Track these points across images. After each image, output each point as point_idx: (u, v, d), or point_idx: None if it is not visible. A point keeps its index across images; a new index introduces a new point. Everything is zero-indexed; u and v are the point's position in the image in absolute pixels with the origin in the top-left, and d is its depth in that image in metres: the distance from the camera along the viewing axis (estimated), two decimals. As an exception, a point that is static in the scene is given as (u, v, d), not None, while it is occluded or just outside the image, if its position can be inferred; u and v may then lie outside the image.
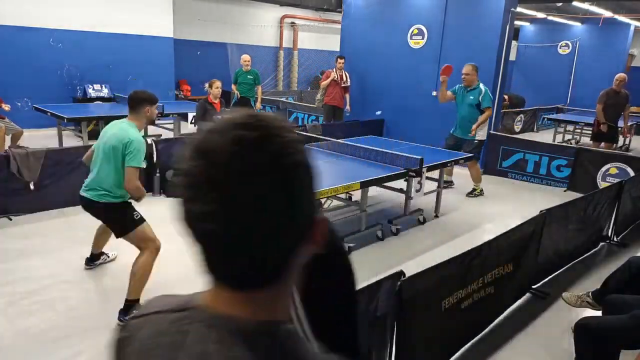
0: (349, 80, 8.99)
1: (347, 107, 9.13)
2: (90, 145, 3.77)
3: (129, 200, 3.49)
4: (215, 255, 0.68)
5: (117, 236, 3.52)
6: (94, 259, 4.08)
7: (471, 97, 6.54)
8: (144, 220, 3.51)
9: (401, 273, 2.45)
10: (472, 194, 6.89)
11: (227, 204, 0.61)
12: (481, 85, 6.51)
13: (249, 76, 9.19)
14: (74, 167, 5.44)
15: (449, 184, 7.16)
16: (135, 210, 3.50)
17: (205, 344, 0.67)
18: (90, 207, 3.46)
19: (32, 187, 5.17)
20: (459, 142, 6.73)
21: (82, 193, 3.47)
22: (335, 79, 8.86)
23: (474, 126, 6.48)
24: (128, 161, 3.25)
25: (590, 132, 11.61)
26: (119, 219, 3.45)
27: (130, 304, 3.30)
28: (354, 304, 1.12)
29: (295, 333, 0.71)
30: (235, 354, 0.64)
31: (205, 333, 0.69)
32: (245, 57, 9.31)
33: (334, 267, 1.09)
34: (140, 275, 3.35)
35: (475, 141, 6.63)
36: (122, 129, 3.33)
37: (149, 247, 3.44)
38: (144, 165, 3.38)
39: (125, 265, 4.16)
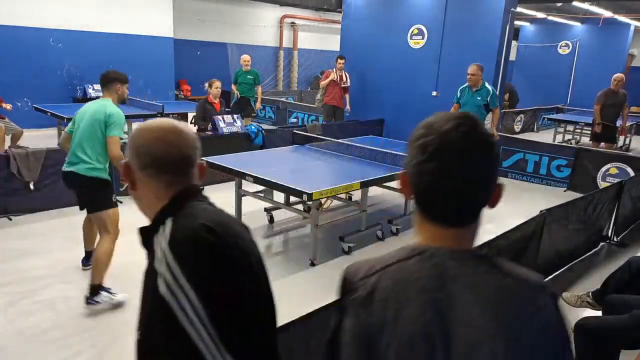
0: (348, 80, 8.96)
1: (347, 107, 9.12)
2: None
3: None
4: (463, 200, 0.94)
5: (89, 211, 3.65)
6: (89, 257, 4.08)
7: (478, 98, 6.53)
8: (117, 205, 3.67)
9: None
10: None
11: (469, 167, 0.93)
12: (487, 85, 6.51)
13: (248, 76, 9.18)
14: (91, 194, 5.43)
15: None
16: (114, 193, 3.69)
17: (479, 276, 0.92)
18: (74, 181, 3.59)
19: (32, 187, 5.17)
20: None
21: (68, 168, 3.59)
22: (335, 79, 8.83)
23: (494, 131, 6.53)
24: (110, 131, 3.51)
25: (589, 132, 11.67)
26: (99, 194, 3.60)
27: (95, 288, 3.45)
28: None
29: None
30: (502, 279, 0.92)
31: (470, 266, 0.93)
32: (245, 57, 9.29)
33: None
34: (103, 261, 3.49)
35: None
36: (101, 105, 3.61)
37: (110, 232, 3.55)
38: (125, 137, 3.54)
39: (125, 265, 4.16)
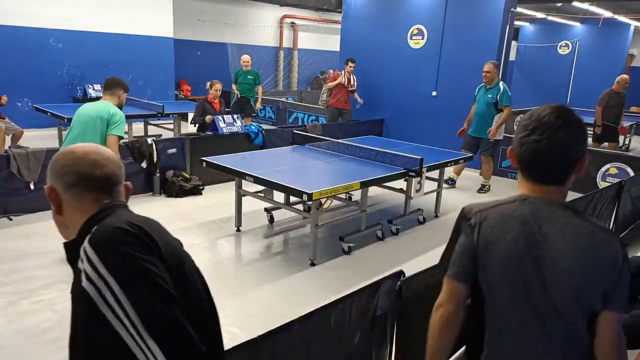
0: (355, 83, 8.93)
1: (359, 100, 9.03)
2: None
3: None
4: (556, 165, 1.34)
5: None
6: None
7: (489, 95, 6.60)
8: None
9: (401, 273, 2.45)
10: (483, 190, 7.03)
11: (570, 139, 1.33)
12: (501, 84, 6.58)
13: (248, 76, 9.23)
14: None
15: (452, 182, 7.18)
16: None
17: (568, 220, 1.34)
18: None
19: (32, 187, 5.17)
20: (475, 141, 6.80)
21: None
22: (343, 82, 8.76)
23: (493, 128, 6.55)
24: (111, 130, 3.70)
25: (591, 132, 11.66)
26: None
27: None
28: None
29: None
30: (585, 225, 1.34)
31: (561, 212, 1.35)
32: (245, 57, 9.33)
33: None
34: None
35: (491, 141, 6.69)
36: (105, 104, 3.83)
37: None
38: (125, 136, 3.76)
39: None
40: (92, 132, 3.71)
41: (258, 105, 9.52)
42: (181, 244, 1.33)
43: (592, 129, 9.37)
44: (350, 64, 8.70)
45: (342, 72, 8.78)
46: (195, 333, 1.10)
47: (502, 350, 1.42)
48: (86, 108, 3.89)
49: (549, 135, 1.32)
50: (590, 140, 10.08)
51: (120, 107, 4.03)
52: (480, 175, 8.13)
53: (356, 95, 8.98)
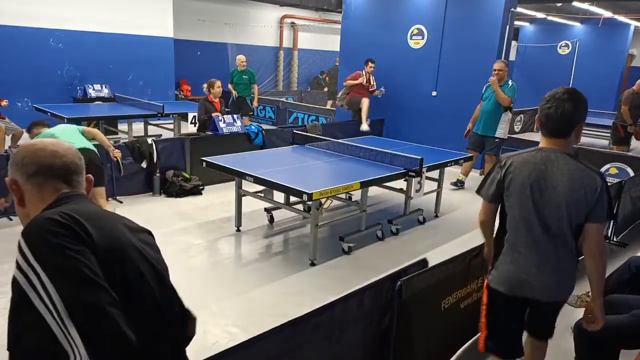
0: (375, 84, 8.78)
1: (381, 91, 8.84)
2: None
3: None
4: (560, 125, 2.07)
5: None
6: None
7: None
8: None
9: (403, 271, 2.45)
10: (457, 185, 7.11)
11: (577, 107, 2.08)
12: (510, 82, 6.62)
13: (244, 76, 9.36)
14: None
15: (460, 184, 7.14)
16: None
17: (566, 162, 2.08)
18: None
19: None
20: (481, 139, 6.79)
21: None
22: (363, 83, 8.59)
23: (500, 130, 6.62)
24: None
25: (590, 132, 11.64)
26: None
27: None
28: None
29: None
30: (577, 165, 2.07)
31: (562, 157, 2.08)
32: (240, 57, 9.47)
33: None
34: None
35: (497, 140, 6.68)
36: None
37: None
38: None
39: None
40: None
41: (255, 104, 9.57)
42: (142, 235, 1.41)
43: (609, 130, 9.03)
44: (370, 64, 8.55)
45: (362, 72, 8.61)
46: (133, 323, 1.14)
47: (516, 245, 2.23)
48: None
49: (558, 105, 2.07)
50: (608, 142, 9.80)
51: None
52: (482, 175, 8.12)
53: (376, 92, 8.84)
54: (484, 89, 6.85)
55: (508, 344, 2.36)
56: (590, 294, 1.96)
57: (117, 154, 4.79)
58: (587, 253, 2.12)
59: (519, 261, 2.20)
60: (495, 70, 6.58)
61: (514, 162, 2.17)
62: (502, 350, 2.37)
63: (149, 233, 1.49)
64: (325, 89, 16.04)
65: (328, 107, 11.93)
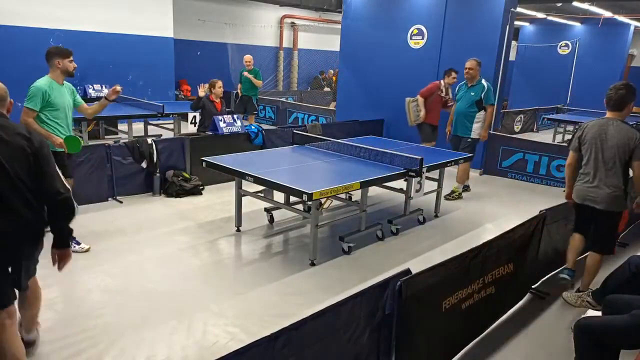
0: (450, 97, 7.49)
1: (482, 133, 6.73)
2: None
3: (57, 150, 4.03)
4: (616, 103, 3.67)
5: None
6: None
7: (472, 94, 6.36)
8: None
9: (407, 271, 2.45)
10: (451, 196, 6.57)
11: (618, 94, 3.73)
12: (483, 81, 6.35)
13: (250, 74, 9.45)
14: (73, 167, 5.44)
15: (467, 187, 6.93)
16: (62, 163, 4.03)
17: (618, 125, 3.67)
18: None
19: None
20: (457, 140, 6.58)
21: None
22: (442, 94, 7.34)
23: (483, 131, 6.41)
24: (25, 102, 4.07)
25: None
26: None
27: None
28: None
29: None
30: (624, 126, 3.67)
31: (616, 122, 3.68)
32: (247, 57, 9.62)
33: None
34: None
35: (469, 139, 6.44)
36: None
37: None
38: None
39: (126, 266, 4.16)
40: None
41: (259, 83, 9.54)
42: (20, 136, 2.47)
43: None
44: (453, 74, 7.30)
45: (441, 83, 7.36)
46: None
47: (586, 174, 3.77)
48: None
49: (615, 91, 3.63)
50: None
51: (68, 74, 4.37)
52: (481, 175, 8.13)
53: (449, 105, 7.40)
54: (456, 89, 6.68)
55: (581, 228, 4.00)
56: (589, 293, 2.01)
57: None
58: (635, 180, 3.60)
59: (587, 183, 3.76)
60: (466, 68, 6.32)
61: (587, 125, 3.79)
62: (578, 231, 4.02)
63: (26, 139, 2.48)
64: (327, 89, 16.04)
65: (331, 107, 11.94)
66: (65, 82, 4.33)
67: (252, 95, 9.56)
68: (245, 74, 9.49)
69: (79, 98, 4.55)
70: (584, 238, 3.98)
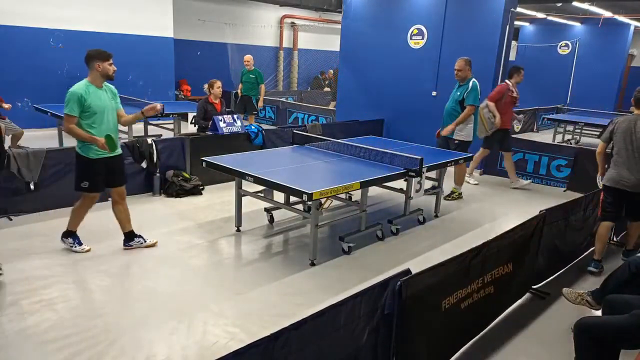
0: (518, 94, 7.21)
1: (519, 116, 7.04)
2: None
3: (93, 159, 4.07)
4: (636, 101, 4.41)
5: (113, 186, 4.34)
6: (131, 238, 4.49)
7: (458, 93, 6.25)
8: (94, 191, 4.22)
9: (407, 271, 2.45)
10: (450, 197, 6.49)
11: None
12: (471, 82, 6.18)
13: (251, 75, 9.52)
14: (74, 167, 5.43)
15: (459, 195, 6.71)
16: (93, 177, 4.11)
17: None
18: None
19: (32, 187, 5.17)
20: (445, 140, 6.40)
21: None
22: (513, 94, 6.92)
23: (449, 126, 6.19)
24: (64, 108, 3.96)
25: (591, 132, 11.64)
26: (76, 169, 4.18)
27: (66, 233, 4.32)
28: None
29: None
30: None
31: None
32: (246, 57, 9.63)
33: None
34: (73, 213, 4.31)
35: (456, 141, 6.25)
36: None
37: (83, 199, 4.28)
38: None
39: (126, 266, 4.16)
40: None
41: (260, 104, 9.63)
42: None
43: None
44: (522, 72, 7.03)
45: (509, 83, 6.95)
46: None
47: (617, 162, 4.38)
48: None
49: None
50: (588, 139, 9.84)
51: (108, 77, 4.19)
52: (481, 175, 8.14)
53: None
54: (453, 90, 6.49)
55: (611, 215, 4.47)
56: (589, 292, 2.07)
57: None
58: None
59: (619, 170, 4.35)
60: (456, 70, 6.20)
61: (618, 121, 4.40)
62: (607, 219, 4.49)
63: None
64: (327, 89, 16.03)
65: (331, 107, 11.95)
66: (106, 84, 4.21)
67: (253, 95, 9.57)
68: (260, 99, 9.53)
69: (119, 102, 4.39)
70: (612, 227, 4.64)
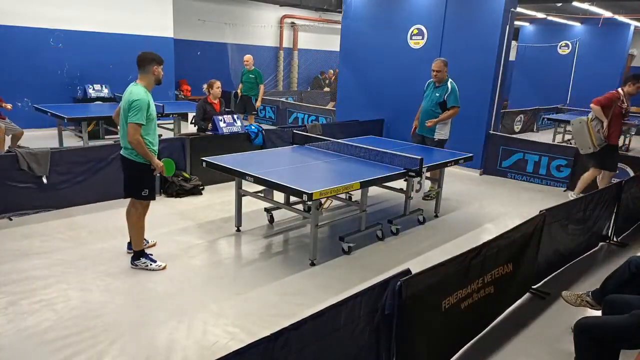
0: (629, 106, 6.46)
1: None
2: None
3: (153, 168, 3.88)
4: None
5: (125, 195, 3.96)
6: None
7: (437, 94, 6.24)
8: (153, 198, 4.00)
9: (407, 271, 2.45)
10: (429, 197, 6.30)
11: None
12: (449, 83, 6.21)
13: (250, 75, 9.54)
14: (75, 167, 5.44)
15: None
16: (153, 184, 3.94)
17: None
18: (123, 164, 3.95)
19: (45, 180, 5.16)
20: (422, 139, 6.43)
21: (120, 152, 3.96)
22: (623, 105, 6.14)
23: (432, 120, 6.18)
24: (129, 118, 3.70)
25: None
26: (135, 178, 3.91)
27: (137, 254, 4.04)
28: None
29: None
30: None
31: None
32: (246, 57, 9.66)
33: None
34: (133, 229, 4.02)
35: (435, 140, 6.29)
36: (130, 91, 3.80)
37: (137, 209, 4.00)
38: (141, 121, 3.70)
39: (126, 265, 4.16)
40: (122, 126, 3.86)
41: (258, 104, 9.65)
42: None
43: None
44: (638, 84, 6.12)
45: (620, 92, 6.18)
46: None
47: None
48: (123, 97, 3.91)
49: None
50: None
51: (158, 82, 4.00)
52: (481, 174, 8.13)
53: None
54: (425, 86, 6.55)
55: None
56: (589, 293, 2.07)
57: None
58: None
59: None
60: (434, 71, 6.17)
61: None
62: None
63: None
64: (326, 89, 16.03)
65: (329, 107, 11.95)
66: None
67: (252, 95, 9.58)
68: (259, 101, 9.53)
69: None
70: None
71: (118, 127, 4.02)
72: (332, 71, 17.04)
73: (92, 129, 8.60)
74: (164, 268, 4.05)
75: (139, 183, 3.89)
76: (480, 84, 7.95)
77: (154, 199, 4.05)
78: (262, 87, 9.61)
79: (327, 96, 14.41)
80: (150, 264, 4.03)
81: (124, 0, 10.43)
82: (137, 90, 3.77)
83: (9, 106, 7.34)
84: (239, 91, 9.75)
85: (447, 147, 6.39)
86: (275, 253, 4.75)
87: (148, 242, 4.46)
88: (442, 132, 6.31)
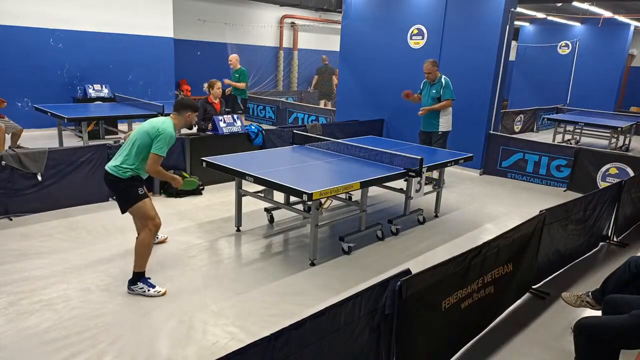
0: None
1: None
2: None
3: (139, 176, 3.81)
4: None
5: (124, 210, 3.82)
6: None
7: (433, 91, 6.75)
8: (151, 192, 3.88)
9: (407, 271, 2.45)
10: (431, 182, 6.54)
11: None
12: (443, 79, 6.71)
13: (236, 74, 9.36)
14: (75, 167, 5.44)
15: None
16: (142, 182, 3.81)
17: None
18: (107, 179, 3.81)
19: (39, 178, 5.16)
20: (427, 136, 6.92)
21: (107, 166, 3.82)
22: None
23: (425, 108, 6.70)
24: (153, 148, 3.66)
25: (591, 132, 11.64)
26: (125, 191, 3.77)
27: (137, 276, 3.73)
28: None
29: None
30: None
31: None
32: (230, 56, 9.58)
33: None
34: (139, 251, 3.72)
35: (439, 132, 6.77)
36: (162, 121, 3.79)
37: (147, 225, 3.74)
38: (163, 154, 3.70)
39: (126, 265, 4.16)
40: (130, 144, 3.72)
41: (227, 90, 9.32)
42: None
43: (609, 130, 8.59)
44: None
45: None
46: None
47: None
48: (146, 123, 3.82)
49: None
50: (608, 142, 9.43)
51: (189, 127, 4.14)
52: (481, 175, 8.13)
53: None
54: (421, 85, 7.02)
55: None
56: (589, 293, 2.06)
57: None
58: None
59: None
60: (425, 73, 6.73)
61: None
62: None
63: None
64: (309, 89, 15.86)
65: (321, 106, 11.92)
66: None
67: (238, 95, 9.37)
68: (227, 81, 9.15)
69: None
70: None
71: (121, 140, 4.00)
72: (316, 77, 16.38)
73: (91, 128, 8.61)
74: (163, 294, 3.72)
75: (131, 191, 3.77)
76: (480, 84, 7.94)
77: (152, 192, 4.02)
78: (240, 84, 9.28)
79: (318, 96, 14.43)
80: (148, 290, 3.70)
81: (124, 0, 10.43)
82: (169, 123, 3.78)
83: (3, 104, 7.31)
84: (226, 91, 9.53)
85: (447, 147, 6.41)
86: (275, 253, 4.75)
87: (158, 237, 4.48)
88: (445, 125, 6.79)
